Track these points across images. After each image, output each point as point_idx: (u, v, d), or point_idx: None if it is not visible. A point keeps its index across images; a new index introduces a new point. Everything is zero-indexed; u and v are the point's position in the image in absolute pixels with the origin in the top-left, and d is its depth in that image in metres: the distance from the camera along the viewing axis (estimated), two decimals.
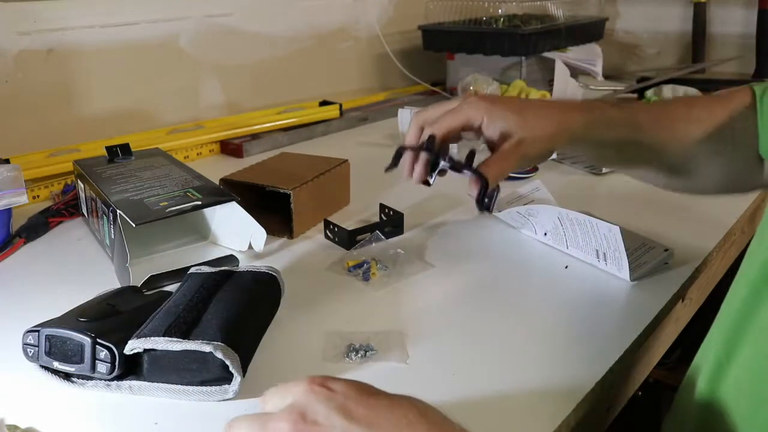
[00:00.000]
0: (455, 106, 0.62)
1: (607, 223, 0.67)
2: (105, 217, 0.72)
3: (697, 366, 0.50)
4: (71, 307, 0.57)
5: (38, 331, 0.53)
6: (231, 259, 0.74)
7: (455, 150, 0.64)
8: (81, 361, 0.52)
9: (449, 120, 0.61)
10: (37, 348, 0.54)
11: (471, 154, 0.62)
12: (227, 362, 0.50)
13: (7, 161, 0.86)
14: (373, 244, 0.76)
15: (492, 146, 0.61)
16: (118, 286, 0.66)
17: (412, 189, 0.97)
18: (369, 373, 0.55)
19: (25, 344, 0.54)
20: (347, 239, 0.77)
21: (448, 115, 0.62)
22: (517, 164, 0.59)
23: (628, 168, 0.69)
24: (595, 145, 0.62)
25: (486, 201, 0.59)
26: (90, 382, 0.53)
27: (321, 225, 0.81)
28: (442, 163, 0.63)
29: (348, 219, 0.86)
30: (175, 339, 0.51)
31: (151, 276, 0.68)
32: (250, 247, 0.75)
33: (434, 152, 0.62)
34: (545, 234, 0.76)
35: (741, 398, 0.43)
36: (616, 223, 0.66)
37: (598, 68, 1.51)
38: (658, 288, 0.67)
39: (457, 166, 0.62)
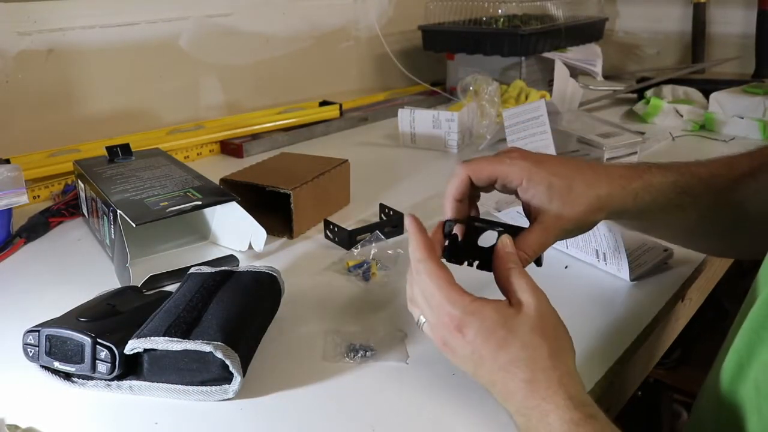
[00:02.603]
0: (497, 157, 0.56)
1: (607, 223, 0.67)
2: (105, 217, 0.72)
3: (718, 367, 0.50)
4: (71, 307, 0.57)
5: (38, 331, 0.53)
6: (231, 259, 0.74)
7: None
8: (81, 361, 0.52)
9: (483, 165, 0.55)
10: (37, 348, 0.54)
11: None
12: (227, 362, 0.50)
13: (7, 161, 0.86)
14: (373, 244, 0.76)
15: (527, 209, 0.55)
16: (118, 286, 0.66)
17: (412, 189, 0.97)
18: (369, 372, 0.55)
19: (26, 344, 0.54)
20: (347, 239, 0.77)
21: (485, 161, 0.55)
22: (556, 238, 0.54)
23: (680, 237, 0.65)
24: (643, 215, 0.58)
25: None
26: (90, 382, 0.53)
27: (321, 225, 0.81)
28: (476, 263, 0.55)
29: (348, 219, 0.86)
30: (175, 339, 0.51)
31: (151, 276, 0.68)
32: (250, 247, 0.75)
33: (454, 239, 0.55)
34: None
35: (761, 399, 0.43)
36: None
37: (598, 68, 1.51)
38: (657, 288, 0.67)
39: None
